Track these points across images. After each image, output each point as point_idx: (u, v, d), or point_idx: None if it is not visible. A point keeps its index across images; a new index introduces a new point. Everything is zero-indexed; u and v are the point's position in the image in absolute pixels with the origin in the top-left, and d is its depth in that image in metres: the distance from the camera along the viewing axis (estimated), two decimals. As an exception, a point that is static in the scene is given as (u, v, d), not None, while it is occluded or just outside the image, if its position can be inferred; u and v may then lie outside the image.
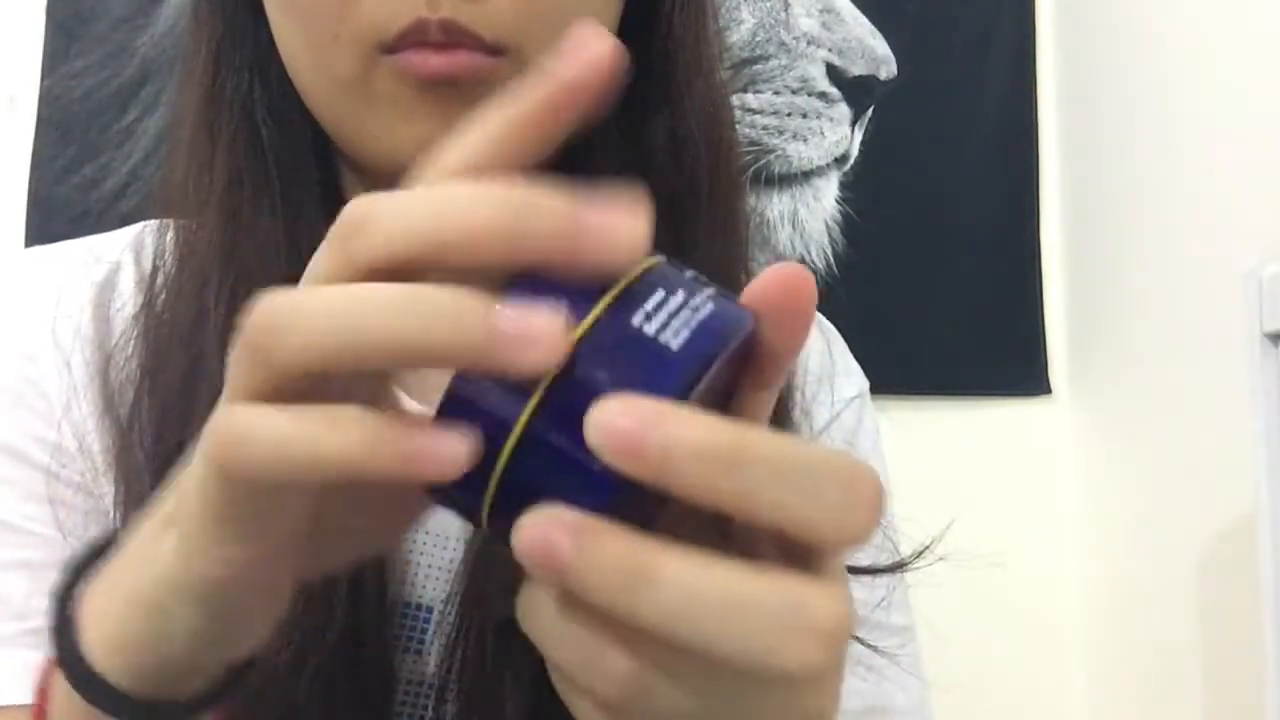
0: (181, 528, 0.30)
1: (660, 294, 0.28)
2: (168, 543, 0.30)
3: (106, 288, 0.56)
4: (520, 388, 0.26)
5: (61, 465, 0.53)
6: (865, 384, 0.65)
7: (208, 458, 0.28)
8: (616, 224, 0.26)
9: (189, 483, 0.29)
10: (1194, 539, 1.67)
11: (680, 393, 0.27)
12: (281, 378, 0.27)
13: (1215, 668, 1.66)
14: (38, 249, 0.61)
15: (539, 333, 0.25)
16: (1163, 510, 1.66)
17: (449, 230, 0.26)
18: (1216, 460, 1.67)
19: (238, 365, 0.27)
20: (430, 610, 0.53)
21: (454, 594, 0.52)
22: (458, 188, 0.27)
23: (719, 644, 0.25)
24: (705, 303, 0.28)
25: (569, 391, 0.26)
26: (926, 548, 0.55)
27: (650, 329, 0.27)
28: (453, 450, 0.26)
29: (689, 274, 0.29)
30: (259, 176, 0.52)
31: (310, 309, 0.26)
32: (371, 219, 0.27)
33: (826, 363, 0.62)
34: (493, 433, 0.27)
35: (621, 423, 0.25)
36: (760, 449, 0.25)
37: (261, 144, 0.53)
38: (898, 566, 0.55)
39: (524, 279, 0.27)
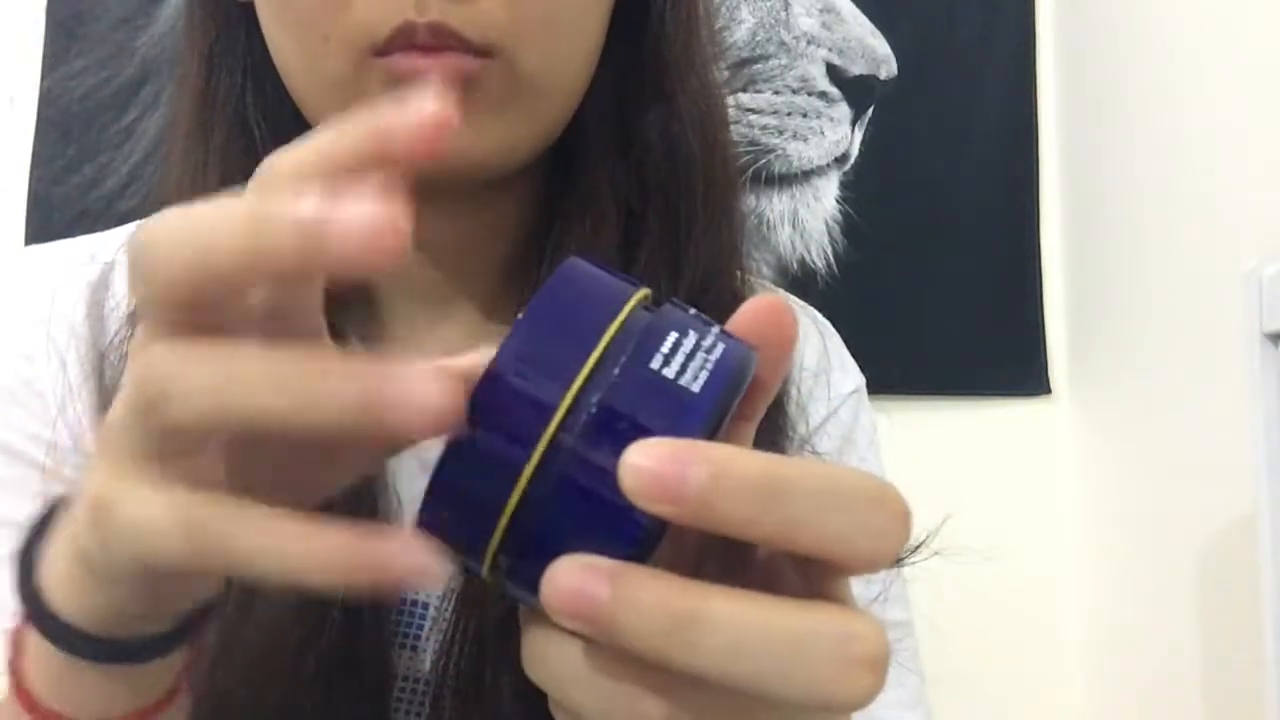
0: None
1: (674, 336, 0.28)
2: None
3: (100, 287, 0.56)
4: (525, 436, 0.26)
5: (58, 464, 0.53)
6: (862, 380, 0.65)
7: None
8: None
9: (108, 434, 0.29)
10: (1194, 539, 1.66)
11: (705, 435, 0.26)
12: (172, 441, 0.27)
13: (1215, 667, 1.66)
14: (33, 248, 0.61)
15: (420, 398, 0.24)
16: (1162, 510, 1.66)
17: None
18: (1216, 460, 1.67)
19: (125, 427, 0.27)
20: (427, 606, 0.53)
21: (450, 590, 0.52)
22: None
23: (776, 683, 0.25)
24: (716, 343, 0.28)
25: (590, 439, 0.26)
26: (922, 543, 0.55)
27: (670, 372, 0.27)
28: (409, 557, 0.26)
29: (692, 311, 0.29)
30: (252, 178, 0.52)
31: (194, 381, 0.25)
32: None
33: (823, 359, 0.62)
34: (498, 483, 0.26)
35: (657, 466, 0.24)
36: (797, 478, 0.25)
37: (255, 146, 0.53)
38: (894, 562, 0.55)
39: (532, 312, 0.27)
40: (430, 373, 0.24)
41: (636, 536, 0.26)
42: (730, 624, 0.24)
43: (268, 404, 0.24)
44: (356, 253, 0.24)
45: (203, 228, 0.25)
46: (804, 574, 0.28)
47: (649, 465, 0.24)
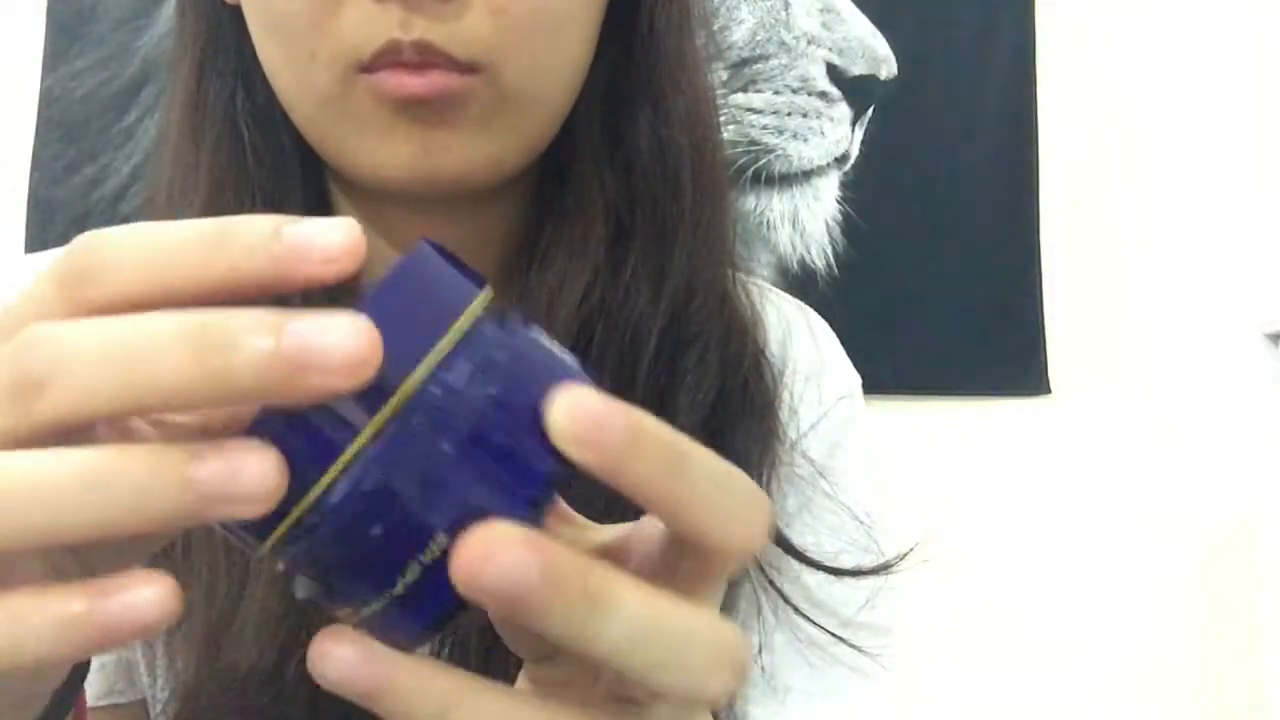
0: None
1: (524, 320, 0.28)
2: None
3: None
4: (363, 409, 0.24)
5: None
6: (856, 382, 0.64)
7: None
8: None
9: None
10: (1194, 538, 1.66)
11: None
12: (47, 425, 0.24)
13: (1215, 666, 1.65)
14: (31, 256, 0.61)
15: (245, 487, 0.23)
16: (1162, 510, 1.66)
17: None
18: (1216, 460, 1.67)
19: None
20: None
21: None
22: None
23: (661, 673, 0.25)
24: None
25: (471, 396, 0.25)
26: (912, 549, 0.55)
27: (544, 339, 0.27)
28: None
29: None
30: (242, 181, 0.52)
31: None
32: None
33: (814, 361, 0.61)
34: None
35: (590, 411, 0.24)
36: (698, 451, 0.26)
37: (244, 148, 0.53)
38: (883, 568, 0.55)
39: (383, 289, 0.26)
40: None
41: (534, 498, 0.26)
42: (633, 613, 0.25)
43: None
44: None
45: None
46: (675, 577, 0.28)
47: (583, 408, 0.24)
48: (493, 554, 0.23)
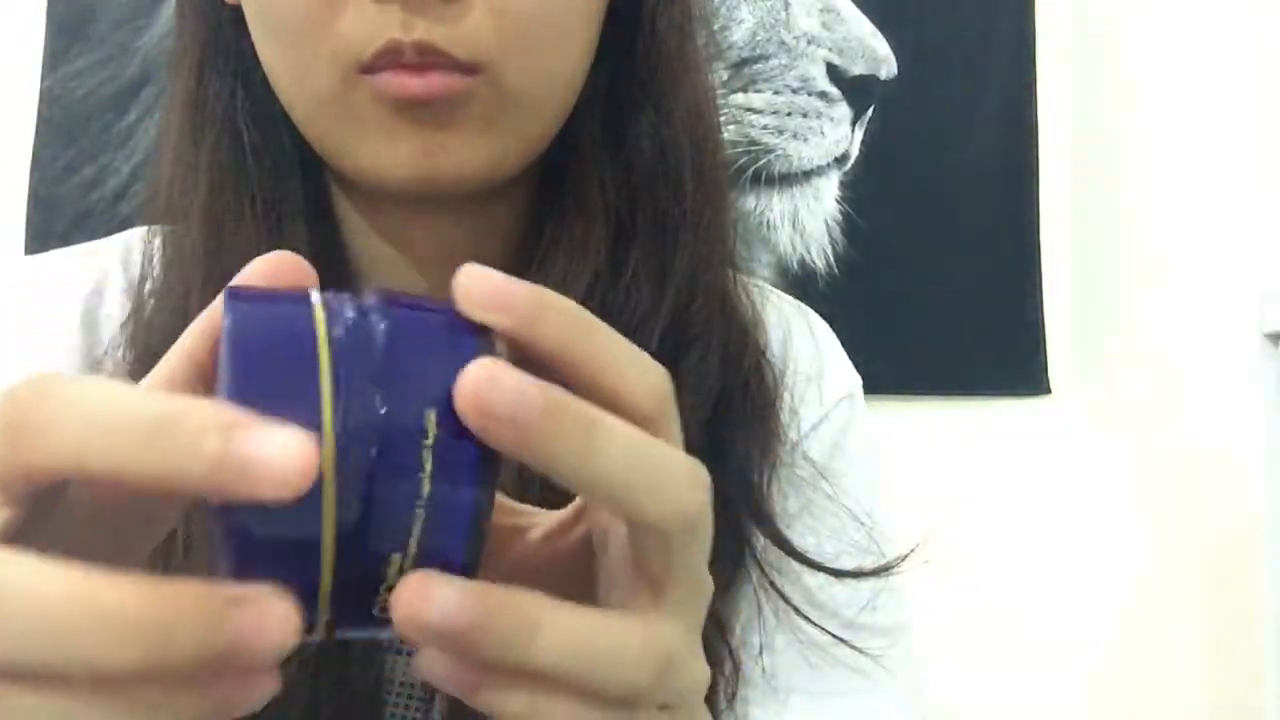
0: None
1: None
2: None
3: (95, 295, 0.56)
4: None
5: None
6: (857, 383, 0.64)
7: None
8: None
9: None
10: (1194, 538, 1.66)
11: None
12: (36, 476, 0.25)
13: (1216, 667, 1.65)
14: (29, 258, 0.61)
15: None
16: (1163, 510, 1.66)
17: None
18: (1217, 460, 1.67)
19: None
20: None
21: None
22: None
23: (651, 498, 0.27)
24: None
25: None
26: (912, 551, 0.55)
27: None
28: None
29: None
30: (241, 181, 0.52)
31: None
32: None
33: (815, 362, 0.61)
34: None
35: (493, 282, 0.27)
36: (597, 321, 0.29)
37: (244, 149, 0.52)
38: (884, 569, 0.55)
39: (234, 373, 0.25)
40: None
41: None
42: (626, 436, 0.27)
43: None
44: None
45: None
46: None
47: (485, 276, 0.27)
48: (494, 380, 0.25)
